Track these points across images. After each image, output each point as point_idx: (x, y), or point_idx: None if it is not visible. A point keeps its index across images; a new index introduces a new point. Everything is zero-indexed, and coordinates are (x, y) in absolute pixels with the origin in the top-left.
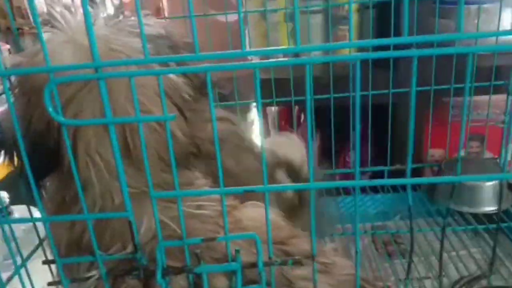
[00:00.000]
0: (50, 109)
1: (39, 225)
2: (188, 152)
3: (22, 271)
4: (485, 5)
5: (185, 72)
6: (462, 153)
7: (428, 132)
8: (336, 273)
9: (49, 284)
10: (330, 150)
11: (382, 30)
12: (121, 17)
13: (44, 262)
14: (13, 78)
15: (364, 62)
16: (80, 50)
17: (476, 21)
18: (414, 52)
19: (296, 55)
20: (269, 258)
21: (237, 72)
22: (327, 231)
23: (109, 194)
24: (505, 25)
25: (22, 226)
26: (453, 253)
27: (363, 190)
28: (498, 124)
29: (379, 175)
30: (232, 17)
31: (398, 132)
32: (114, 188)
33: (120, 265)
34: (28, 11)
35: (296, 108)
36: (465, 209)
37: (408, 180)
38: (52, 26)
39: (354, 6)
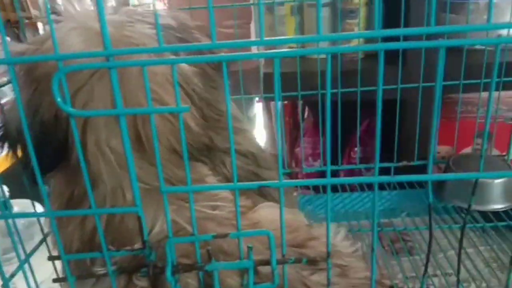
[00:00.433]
0: (59, 99)
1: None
2: (201, 144)
3: (25, 266)
4: (495, 0)
5: (199, 61)
6: (469, 150)
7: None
8: (352, 276)
9: (54, 280)
10: (336, 145)
11: (390, 25)
12: (129, 6)
13: (49, 258)
14: (17, 68)
15: (373, 57)
16: (90, 36)
17: (485, 16)
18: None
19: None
20: (283, 255)
21: (242, 65)
22: None
23: (120, 190)
24: None
25: (22, 221)
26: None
27: (369, 186)
28: (507, 121)
29: (385, 171)
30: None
31: (406, 128)
32: (126, 183)
33: (133, 262)
34: (29, 2)
35: (301, 103)
36: (473, 206)
37: (429, 177)
38: (59, 15)
39: (362, 0)
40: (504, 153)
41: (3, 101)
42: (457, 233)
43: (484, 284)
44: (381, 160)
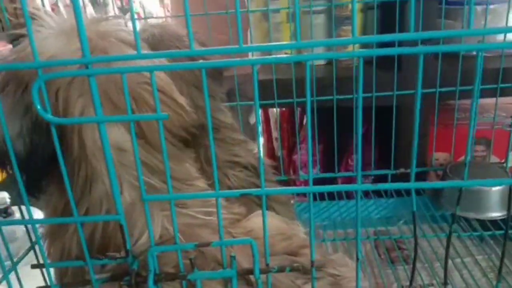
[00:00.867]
0: (38, 107)
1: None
2: (197, 127)
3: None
4: (492, 6)
5: (178, 68)
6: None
7: (433, 135)
8: (345, 286)
9: None
10: (333, 153)
11: (386, 31)
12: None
13: (33, 266)
14: None
15: (368, 63)
16: (69, 41)
17: (482, 22)
18: (419, 49)
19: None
20: (266, 264)
21: (239, 71)
22: None
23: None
24: None
25: (23, 227)
26: (458, 260)
27: (366, 194)
28: (505, 128)
29: (382, 179)
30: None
31: (402, 135)
32: (126, 182)
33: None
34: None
35: (298, 110)
36: (471, 215)
37: (412, 185)
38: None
39: (357, 6)
40: (502, 160)
41: None
42: (455, 242)
43: None
44: (379, 168)
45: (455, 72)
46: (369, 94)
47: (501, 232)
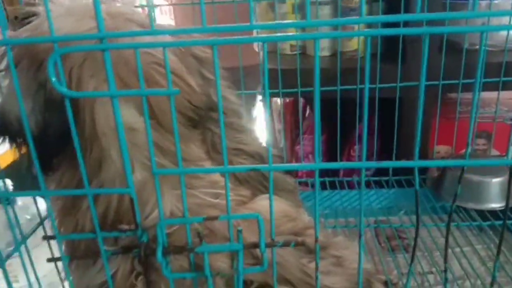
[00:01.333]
0: (54, 79)
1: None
2: (205, 109)
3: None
4: (496, 1)
5: (191, 44)
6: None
7: (435, 128)
8: (347, 266)
9: (48, 260)
10: (336, 143)
11: (391, 24)
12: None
13: (44, 238)
14: (15, 51)
15: (372, 55)
16: (82, 21)
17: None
18: (425, 29)
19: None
20: (271, 239)
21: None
22: None
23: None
24: None
25: (26, 215)
26: (457, 249)
27: (368, 184)
28: (506, 121)
29: (383, 170)
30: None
31: (404, 127)
32: (138, 162)
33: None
34: None
35: (302, 101)
36: (471, 205)
37: (416, 163)
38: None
39: None
40: (503, 154)
41: None
42: (455, 231)
43: (479, 282)
44: (380, 159)
45: (458, 67)
46: (373, 86)
47: (500, 222)
